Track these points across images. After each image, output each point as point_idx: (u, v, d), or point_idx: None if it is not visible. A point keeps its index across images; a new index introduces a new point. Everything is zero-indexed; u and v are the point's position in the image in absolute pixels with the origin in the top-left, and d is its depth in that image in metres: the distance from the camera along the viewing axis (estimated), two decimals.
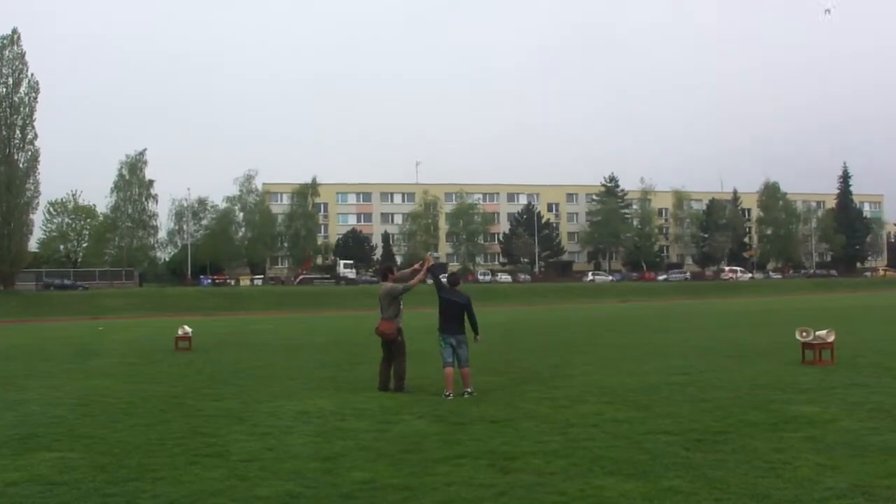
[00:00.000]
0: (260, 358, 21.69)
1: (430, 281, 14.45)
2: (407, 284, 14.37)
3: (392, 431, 10.35)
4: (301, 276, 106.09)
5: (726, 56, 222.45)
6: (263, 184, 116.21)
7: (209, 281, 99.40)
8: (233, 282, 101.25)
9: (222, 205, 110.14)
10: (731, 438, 9.37)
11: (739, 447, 8.91)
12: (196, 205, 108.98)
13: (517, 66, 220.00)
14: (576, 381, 15.02)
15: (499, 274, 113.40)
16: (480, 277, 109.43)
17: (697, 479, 7.59)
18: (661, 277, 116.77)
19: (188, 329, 25.63)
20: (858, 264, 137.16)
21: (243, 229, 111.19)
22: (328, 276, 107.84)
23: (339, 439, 9.88)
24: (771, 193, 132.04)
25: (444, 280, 13.87)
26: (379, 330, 14.16)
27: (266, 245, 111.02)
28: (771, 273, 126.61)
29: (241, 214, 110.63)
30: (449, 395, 13.18)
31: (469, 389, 13.39)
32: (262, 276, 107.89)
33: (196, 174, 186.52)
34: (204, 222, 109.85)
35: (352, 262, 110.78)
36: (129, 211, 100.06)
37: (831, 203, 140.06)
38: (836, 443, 9.01)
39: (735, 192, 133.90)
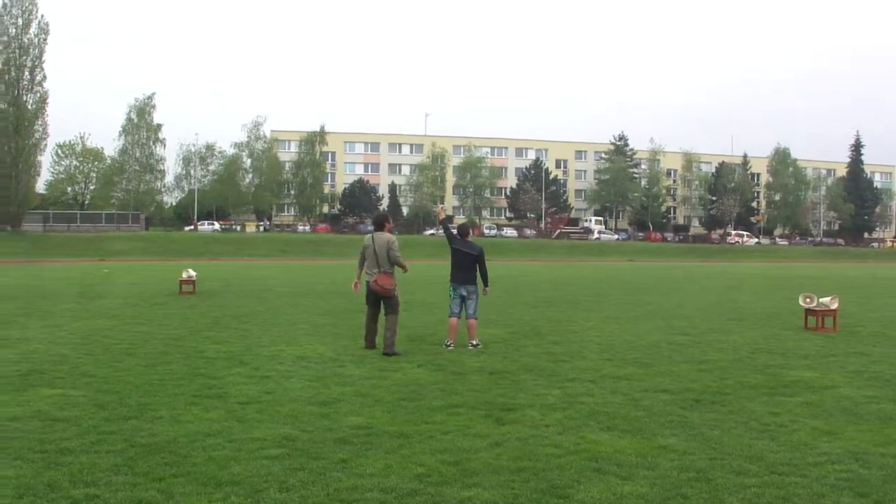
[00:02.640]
0: (262, 303, 21.75)
1: (440, 231, 14.30)
2: (403, 261, 13.11)
3: (390, 379, 10.40)
4: (558, 231, 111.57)
5: (743, 19, 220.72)
6: (272, 131, 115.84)
7: (215, 226, 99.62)
8: (238, 227, 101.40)
9: (230, 151, 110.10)
10: (729, 400, 9.38)
11: (736, 409, 8.93)
12: (204, 150, 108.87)
13: (530, 19, 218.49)
14: (576, 337, 15.07)
15: (505, 228, 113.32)
16: (486, 231, 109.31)
17: (693, 438, 7.61)
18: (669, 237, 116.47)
19: (192, 273, 25.69)
20: (866, 234, 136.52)
21: (250, 176, 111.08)
22: (580, 230, 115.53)
23: (336, 385, 9.94)
24: (781, 159, 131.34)
25: (454, 231, 13.78)
26: (377, 283, 12.83)
27: (272, 192, 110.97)
28: (777, 239, 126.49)
29: (249, 161, 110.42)
30: (450, 345, 13.22)
31: (475, 342, 13.39)
32: (267, 223, 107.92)
33: (205, 119, 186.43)
34: (211, 168, 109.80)
35: (602, 218, 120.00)
36: (137, 155, 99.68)
37: (842, 171, 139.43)
38: (834, 409, 9.01)
39: (745, 157, 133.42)
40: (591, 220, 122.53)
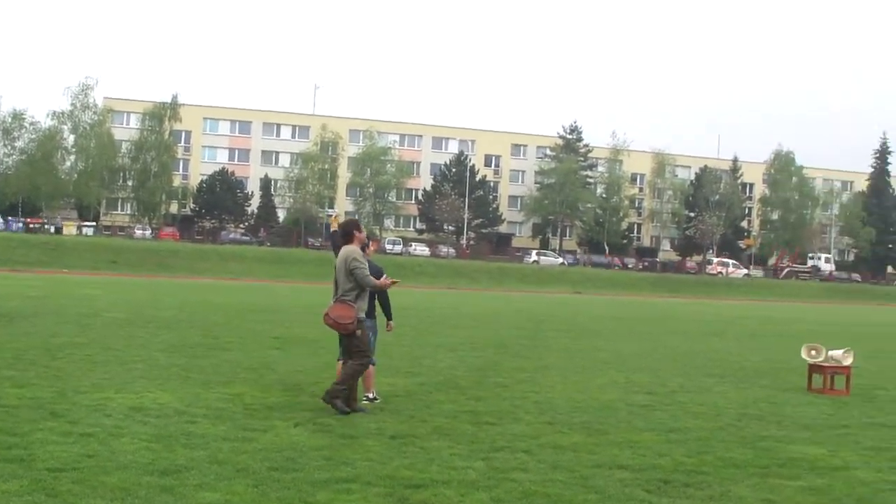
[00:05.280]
0: (84, 333, 21.42)
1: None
2: (374, 281, 12.85)
3: (258, 441, 10.32)
4: (787, 269, 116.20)
5: None
6: (105, 98, 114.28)
7: (21, 225, 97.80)
8: (53, 228, 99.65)
9: (46, 122, 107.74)
10: (708, 482, 9.46)
11: (718, 494, 9.00)
12: (8, 119, 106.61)
13: None
14: (506, 393, 15.16)
15: (413, 244, 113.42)
16: (388, 247, 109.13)
17: None
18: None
19: None
20: (890, 268, 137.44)
21: (72, 158, 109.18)
22: (808, 270, 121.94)
23: (184, 447, 9.81)
24: (782, 166, 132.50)
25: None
26: (328, 317, 12.65)
27: (102, 182, 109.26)
28: (774, 271, 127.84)
29: (72, 137, 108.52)
30: (374, 398, 13.24)
31: (371, 394, 13.42)
32: (93, 224, 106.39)
33: (12, 78, 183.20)
34: (18, 144, 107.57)
35: (831, 255, 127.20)
36: None
37: (862, 185, 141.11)
38: (846, 497, 9.11)
39: (735, 161, 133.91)
40: (821, 258, 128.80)
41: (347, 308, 12.52)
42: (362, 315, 12.72)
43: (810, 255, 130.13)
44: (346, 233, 13.18)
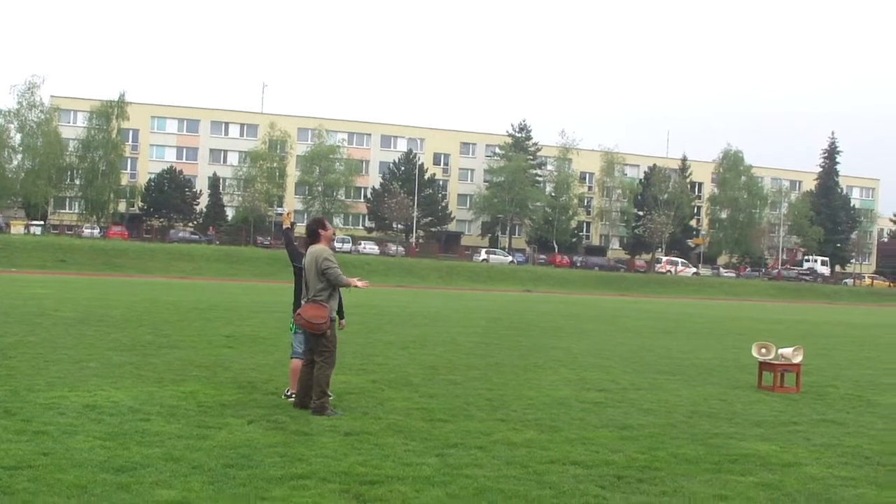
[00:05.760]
0: (34, 332, 21.29)
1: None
2: (347, 280, 12.78)
3: (213, 439, 10.33)
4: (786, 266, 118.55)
5: None
6: (52, 97, 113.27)
7: None
8: (1, 227, 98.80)
9: None
10: (661, 478, 9.54)
11: (671, 489, 9.08)
12: None
13: None
14: (459, 389, 15.25)
15: (363, 242, 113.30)
16: (338, 245, 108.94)
17: None
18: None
19: None
20: (838, 267, 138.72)
21: (19, 157, 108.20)
22: (807, 272, 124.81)
23: (139, 445, 9.81)
24: (731, 165, 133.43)
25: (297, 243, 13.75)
26: (300, 316, 12.65)
27: (50, 181, 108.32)
28: (722, 270, 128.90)
29: (18, 136, 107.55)
30: (291, 395, 13.20)
31: (291, 392, 13.47)
32: (41, 223, 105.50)
33: None
34: None
35: (827, 258, 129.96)
36: None
37: (810, 184, 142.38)
38: (798, 493, 9.20)
39: (684, 160, 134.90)
40: (817, 261, 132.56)
41: (320, 308, 12.53)
42: (334, 314, 12.76)
43: (806, 258, 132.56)
44: (312, 232, 13.10)
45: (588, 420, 12.93)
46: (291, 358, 13.52)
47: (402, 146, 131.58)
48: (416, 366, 18.38)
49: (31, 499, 7.65)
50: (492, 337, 27.07)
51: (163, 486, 8.25)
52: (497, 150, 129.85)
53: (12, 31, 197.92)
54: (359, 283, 12.99)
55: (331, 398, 12.74)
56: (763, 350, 18.02)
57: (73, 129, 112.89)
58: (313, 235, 13.01)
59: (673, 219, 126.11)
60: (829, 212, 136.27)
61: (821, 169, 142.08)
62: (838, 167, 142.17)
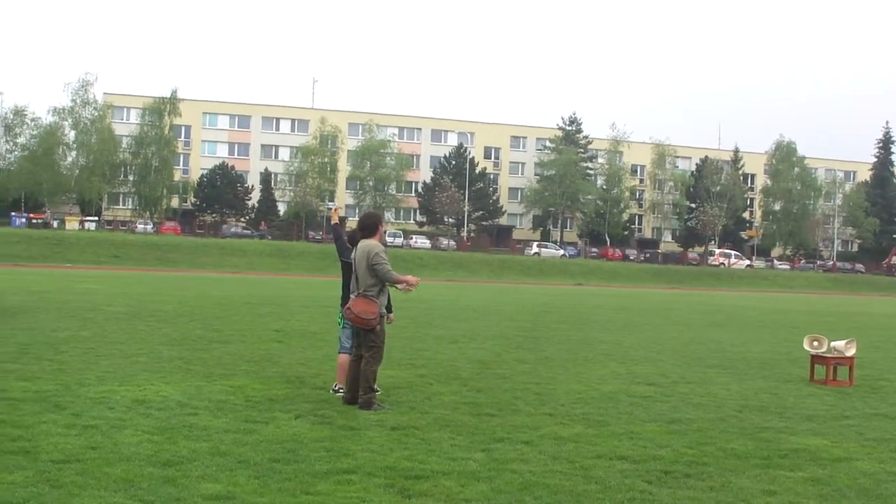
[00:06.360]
0: (86, 327, 21.45)
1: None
2: (397, 276, 12.70)
3: (260, 433, 10.34)
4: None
5: None
6: (105, 94, 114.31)
7: (23, 220, 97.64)
8: (55, 223, 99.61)
9: (47, 118, 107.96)
10: (709, 473, 9.43)
11: (719, 485, 8.97)
12: (10, 116, 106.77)
13: None
14: (507, 384, 15.17)
15: (414, 237, 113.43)
16: (389, 240, 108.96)
17: None
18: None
19: None
20: (894, 259, 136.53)
21: (74, 153, 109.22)
22: None
23: (187, 439, 9.84)
24: (784, 156, 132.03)
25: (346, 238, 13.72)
26: (350, 311, 12.54)
27: (104, 177, 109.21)
28: (776, 262, 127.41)
29: (73, 133, 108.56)
30: (339, 390, 13.21)
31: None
32: (95, 219, 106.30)
33: (13, 74, 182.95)
34: (20, 140, 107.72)
35: None
36: None
37: (865, 174, 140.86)
38: (847, 488, 9.07)
39: (736, 151, 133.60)
40: None
41: (370, 303, 12.43)
42: (383, 310, 12.68)
43: None
44: (368, 226, 12.97)
45: (636, 414, 12.84)
46: (339, 353, 13.53)
47: (453, 140, 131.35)
48: (464, 360, 18.35)
49: (78, 492, 7.67)
50: (542, 331, 27.00)
51: (209, 479, 8.26)
52: (547, 144, 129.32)
53: (66, 30, 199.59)
54: (410, 280, 12.78)
55: (378, 393, 12.76)
56: (815, 343, 17.72)
57: (126, 126, 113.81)
58: (372, 230, 12.89)
59: (726, 211, 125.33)
60: (884, 202, 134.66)
61: (875, 159, 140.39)
62: (893, 157, 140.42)
